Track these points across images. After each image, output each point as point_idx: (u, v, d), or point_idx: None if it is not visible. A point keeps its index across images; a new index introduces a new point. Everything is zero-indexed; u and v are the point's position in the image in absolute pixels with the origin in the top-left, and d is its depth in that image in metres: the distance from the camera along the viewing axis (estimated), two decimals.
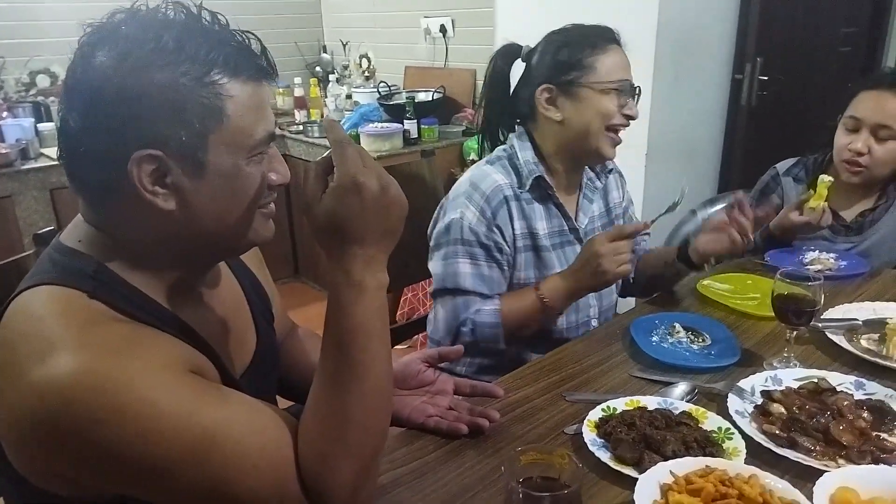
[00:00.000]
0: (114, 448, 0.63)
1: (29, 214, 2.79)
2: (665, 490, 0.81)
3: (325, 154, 0.74)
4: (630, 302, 2.86)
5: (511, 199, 1.35)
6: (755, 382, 1.08)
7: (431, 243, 1.39)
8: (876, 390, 1.06)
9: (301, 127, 3.54)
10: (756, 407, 1.02)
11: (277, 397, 1.03)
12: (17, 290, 0.72)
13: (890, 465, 0.89)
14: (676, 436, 0.91)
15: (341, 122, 3.30)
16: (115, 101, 0.67)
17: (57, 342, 0.64)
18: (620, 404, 1.01)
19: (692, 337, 1.26)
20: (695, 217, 2.21)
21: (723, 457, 0.90)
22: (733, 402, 1.01)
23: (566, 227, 1.42)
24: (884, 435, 0.96)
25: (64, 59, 3.19)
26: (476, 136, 1.42)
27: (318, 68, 4.08)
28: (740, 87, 2.88)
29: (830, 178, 1.56)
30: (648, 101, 2.63)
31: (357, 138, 3.18)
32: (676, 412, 0.99)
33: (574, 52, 1.32)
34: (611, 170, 1.55)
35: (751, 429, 0.96)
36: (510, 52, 1.43)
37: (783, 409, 1.00)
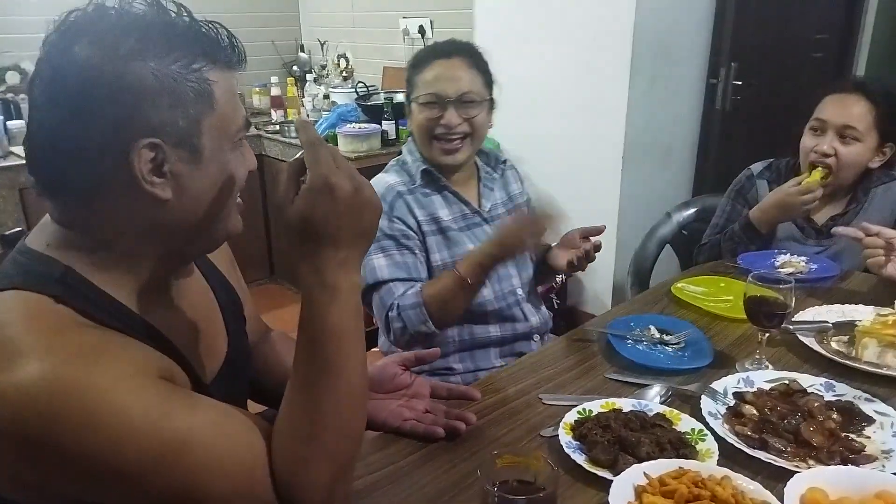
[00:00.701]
0: (82, 455, 0.62)
1: None
2: (639, 492, 0.81)
3: (297, 155, 0.74)
4: (606, 304, 2.89)
5: (405, 194, 1.43)
6: (728, 384, 1.09)
7: None
8: (845, 392, 1.08)
9: (277, 127, 3.51)
10: (728, 408, 1.04)
11: (250, 402, 1.02)
12: None
13: (858, 465, 0.91)
14: (651, 437, 0.92)
15: (318, 123, 3.28)
16: (110, 93, 0.66)
17: (23, 348, 0.63)
18: (596, 406, 1.02)
19: (666, 339, 1.27)
20: (669, 220, 2.22)
21: (696, 458, 0.90)
22: (706, 404, 1.03)
23: (468, 212, 1.50)
24: (852, 436, 0.97)
25: (34, 56, 3.15)
26: None
27: (295, 68, 4.05)
28: (715, 91, 2.92)
29: (825, 170, 1.62)
30: (625, 103, 2.66)
31: (334, 139, 3.16)
32: (651, 414, 1.00)
33: (410, 72, 1.46)
34: (504, 161, 1.66)
35: (723, 430, 0.97)
36: None
37: (755, 411, 1.01)
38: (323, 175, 0.69)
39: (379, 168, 1.55)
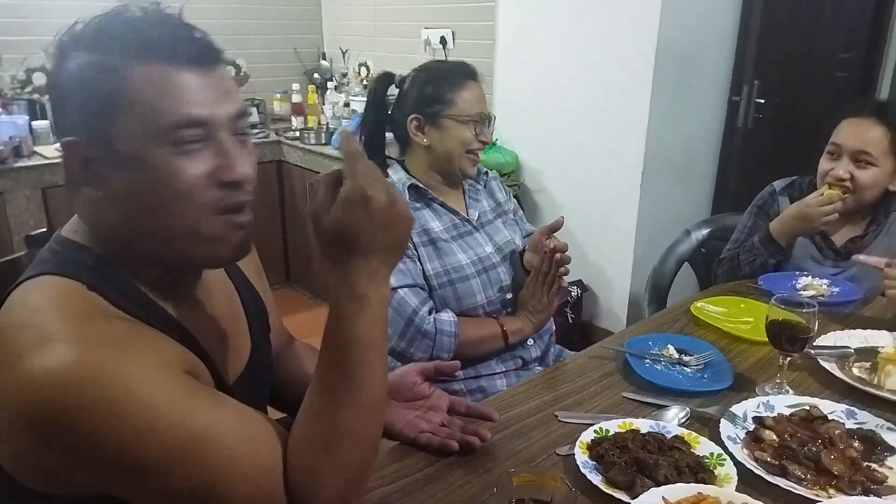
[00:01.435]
0: (103, 442, 0.62)
1: (20, 213, 2.77)
2: None
3: (335, 167, 0.74)
4: (622, 320, 2.87)
5: None
6: (747, 408, 1.08)
7: None
8: (867, 420, 1.06)
9: (297, 133, 3.54)
10: (748, 433, 1.02)
11: (269, 409, 1.02)
12: (17, 280, 0.72)
13: (880, 496, 0.89)
14: (669, 460, 0.90)
15: (338, 131, 3.30)
16: (56, 94, 0.72)
17: (54, 333, 0.64)
18: (613, 426, 1.01)
19: (686, 360, 1.26)
20: (689, 237, 2.21)
21: (714, 483, 0.89)
22: (725, 428, 1.01)
23: (458, 221, 1.56)
24: (874, 465, 0.96)
25: None
26: None
27: (316, 75, 4.08)
28: (737, 108, 2.90)
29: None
30: (646, 118, 2.65)
31: None
32: (669, 436, 0.99)
33: (438, 87, 1.49)
34: (486, 172, 1.72)
35: (742, 455, 0.96)
36: (386, 80, 1.58)
37: (775, 436, 1.00)
38: (360, 186, 0.69)
39: None
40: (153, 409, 0.63)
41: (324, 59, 4.19)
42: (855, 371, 1.23)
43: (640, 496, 0.83)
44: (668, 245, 2.21)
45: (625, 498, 0.85)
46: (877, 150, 1.61)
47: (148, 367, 0.65)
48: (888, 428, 1.03)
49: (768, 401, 1.10)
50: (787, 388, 1.16)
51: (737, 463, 0.94)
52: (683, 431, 1.01)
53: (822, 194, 1.62)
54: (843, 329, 1.40)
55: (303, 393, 0.76)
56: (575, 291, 2.92)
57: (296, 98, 3.80)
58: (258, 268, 1.03)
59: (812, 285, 1.61)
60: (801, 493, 0.89)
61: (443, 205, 1.55)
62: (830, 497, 0.88)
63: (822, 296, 1.56)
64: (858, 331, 1.38)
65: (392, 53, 3.68)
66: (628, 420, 1.03)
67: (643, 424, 1.02)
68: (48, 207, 2.83)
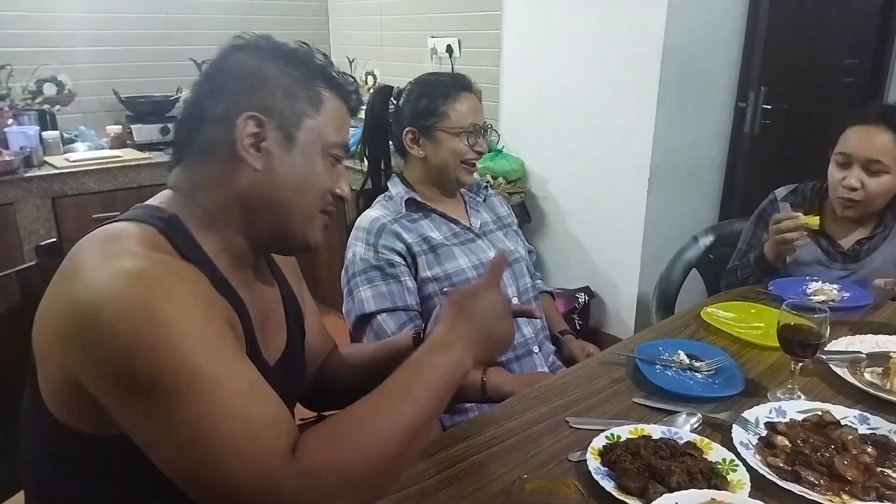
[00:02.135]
0: (133, 345, 0.67)
1: (30, 222, 2.79)
2: None
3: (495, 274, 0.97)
4: (629, 326, 2.87)
5: (391, 223, 1.50)
6: (759, 413, 1.07)
7: (343, 290, 1.52)
8: (880, 425, 1.05)
9: None
10: (760, 438, 1.02)
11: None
12: (94, 227, 0.82)
13: (894, 502, 0.88)
14: (681, 466, 0.90)
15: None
16: (241, 75, 0.86)
17: (121, 252, 0.73)
18: (624, 432, 1.01)
19: (696, 365, 1.26)
20: (696, 243, 2.21)
21: (727, 489, 0.89)
22: (738, 434, 1.01)
23: (458, 230, 1.59)
24: (888, 471, 0.95)
25: (71, 69, 3.26)
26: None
27: None
28: (744, 115, 2.90)
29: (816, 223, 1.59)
30: (652, 125, 2.65)
31: (361, 154, 3.19)
32: (681, 442, 0.98)
33: (431, 100, 1.53)
34: (486, 187, 1.76)
35: (755, 461, 0.96)
36: (385, 93, 1.63)
37: (787, 442, 1.00)
38: (504, 296, 0.95)
39: None
40: (184, 331, 0.69)
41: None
42: (867, 376, 1.23)
43: (653, 502, 0.82)
44: (676, 251, 2.21)
45: None
46: (888, 157, 1.61)
47: (193, 298, 0.72)
48: None
49: (780, 406, 1.10)
50: (799, 393, 1.16)
51: (749, 469, 0.93)
52: (695, 437, 1.00)
53: (797, 218, 1.57)
54: (853, 334, 1.40)
55: (347, 386, 0.98)
56: (582, 298, 2.92)
57: None
58: (297, 275, 1.12)
59: (822, 290, 1.61)
60: (815, 498, 0.88)
61: (443, 215, 1.58)
62: (844, 503, 0.88)
63: (833, 300, 1.56)
64: (870, 336, 1.38)
65: (398, 62, 3.70)
66: (640, 426, 1.03)
67: (655, 430, 1.02)
68: (57, 217, 2.85)
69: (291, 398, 1.03)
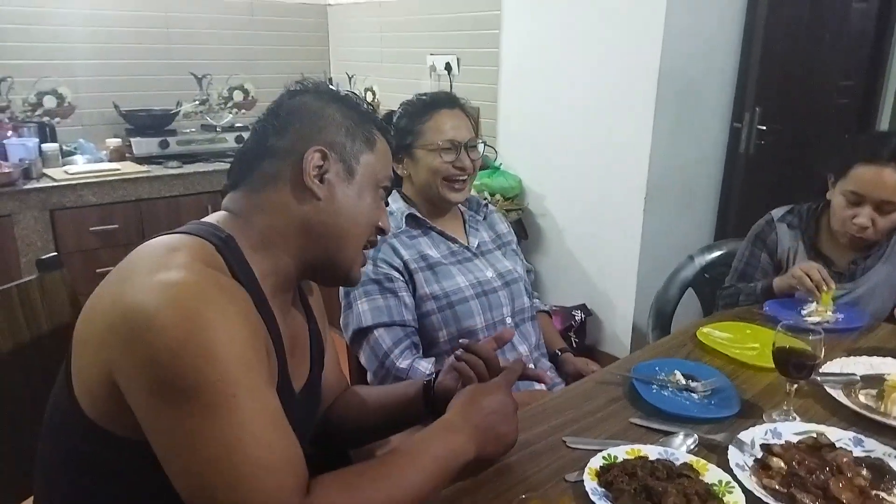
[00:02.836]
0: (177, 352, 0.69)
1: (28, 234, 2.79)
2: None
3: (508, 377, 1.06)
4: (625, 345, 2.87)
5: (390, 238, 1.51)
6: (755, 435, 1.08)
7: (342, 303, 1.53)
8: (874, 448, 1.06)
9: None
10: (756, 460, 1.02)
11: None
12: (157, 235, 0.86)
13: None
14: (678, 488, 0.91)
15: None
16: (308, 115, 0.94)
17: (176, 262, 0.76)
18: (621, 452, 1.01)
19: (692, 386, 1.27)
20: (692, 262, 2.22)
21: None
22: (734, 455, 1.02)
23: (456, 248, 1.60)
24: (882, 494, 0.96)
25: (71, 81, 3.27)
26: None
27: None
28: (739, 135, 2.93)
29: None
30: (649, 144, 2.68)
31: None
32: (678, 463, 0.99)
33: (409, 120, 1.56)
34: (486, 205, 1.76)
35: (751, 483, 0.96)
36: (389, 118, 1.64)
37: (783, 464, 1.00)
38: (514, 400, 1.01)
39: None
40: (229, 348, 0.72)
41: (330, 83, 4.23)
42: (861, 398, 1.24)
43: None
44: (672, 270, 2.22)
45: None
46: None
47: (240, 317, 0.75)
48: None
49: (776, 428, 1.10)
50: (794, 414, 1.17)
51: (745, 491, 0.94)
52: (692, 458, 1.01)
53: (813, 308, 1.61)
54: (848, 356, 1.41)
55: (356, 426, 1.09)
56: (579, 315, 2.93)
57: None
58: (322, 313, 1.16)
59: (817, 311, 1.62)
60: None
61: (441, 233, 1.59)
62: None
63: (828, 322, 1.57)
64: (864, 357, 1.39)
65: (398, 79, 3.73)
66: (637, 446, 1.03)
67: (652, 451, 1.02)
68: (55, 229, 2.85)
69: (309, 429, 1.06)
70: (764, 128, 2.89)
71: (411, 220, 1.56)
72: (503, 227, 1.78)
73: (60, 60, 3.23)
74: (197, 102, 3.60)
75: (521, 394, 1.46)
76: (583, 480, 0.94)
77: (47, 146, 3.04)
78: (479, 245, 1.65)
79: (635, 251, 2.81)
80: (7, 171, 2.74)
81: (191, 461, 0.71)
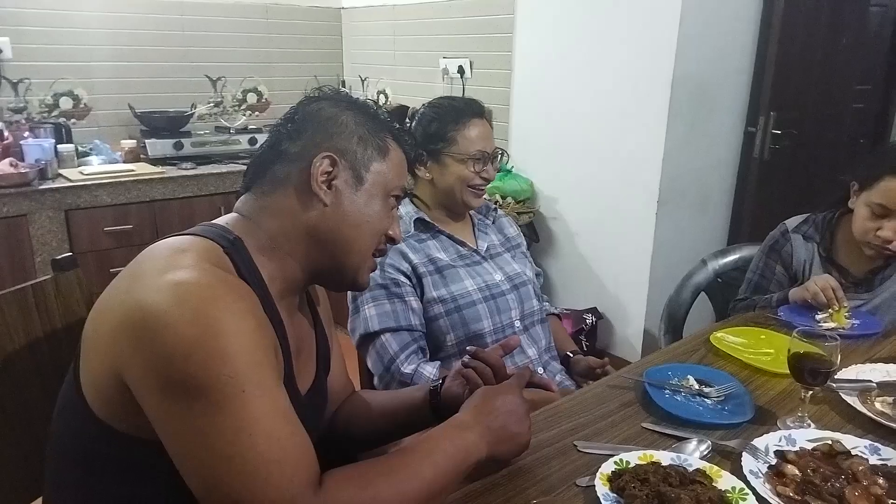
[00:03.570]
0: (188, 352, 0.70)
1: (43, 234, 2.81)
2: None
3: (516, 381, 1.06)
4: (637, 349, 2.86)
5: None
6: (769, 442, 1.07)
7: (350, 307, 1.54)
8: (891, 456, 1.04)
9: None
10: (770, 467, 1.01)
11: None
12: (166, 236, 0.87)
13: None
14: (691, 494, 0.90)
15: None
16: (322, 122, 0.95)
17: (186, 263, 0.77)
18: (633, 458, 1.00)
19: (706, 391, 1.26)
20: (705, 267, 2.20)
21: None
22: (747, 462, 1.01)
23: (465, 252, 1.60)
24: None
25: (88, 83, 3.30)
26: None
27: None
28: (753, 139, 2.91)
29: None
30: (662, 148, 2.66)
31: None
32: (690, 469, 0.98)
33: (440, 126, 1.55)
34: (495, 209, 1.78)
35: (765, 490, 0.95)
36: (400, 114, 1.67)
37: (797, 471, 0.99)
38: (525, 401, 1.01)
39: None
40: (239, 345, 0.73)
41: (343, 86, 4.25)
42: (877, 405, 1.22)
43: None
44: (684, 274, 2.20)
45: None
46: None
47: (249, 315, 0.76)
48: None
49: (790, 434, 1.09)
50: (809, 421, 1.15)
51: (759, 498, 0.93)
52: (705, 465, 1.00)
53: (828, 314, 1.59)
54: (864, 362, 1.39)
55: (364, 430, 1.08)
56: (590, 319, 2.92)
57: None
58: (329, 317, 1.17)
59: (832, 317, 1.60)
60: None
61: (450, 237, 1.59)
62: None
63: (843, 328, 1.55)
64: (880, 364, 1.37)
65: (410, 82, 3.73)
66: (649, 452, 1.02)
67: (664, 457, 1.01)
68: (70, 229, 2.87)
69: (315, 431, 1.04)
70: (778, 132, 2.86)
71: (420, 223, 1.57)
72: (512, 230, 1.78)
73: (77, 62, 3.27)
74: (211, 104, 3.63)
75: (532, 392, 1.44)
76: (594, 486, 0.94)
77: (63, 147, 3.06)
78: (487, 248, 1.65)
79: (647, 255, 2.79)
80: (23, 171, 2.77)
81: (203, 458, 0.71)
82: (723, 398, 1.24)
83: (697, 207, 2.91)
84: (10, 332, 1.08)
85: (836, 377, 1.26)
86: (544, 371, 1.58)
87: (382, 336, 1.46)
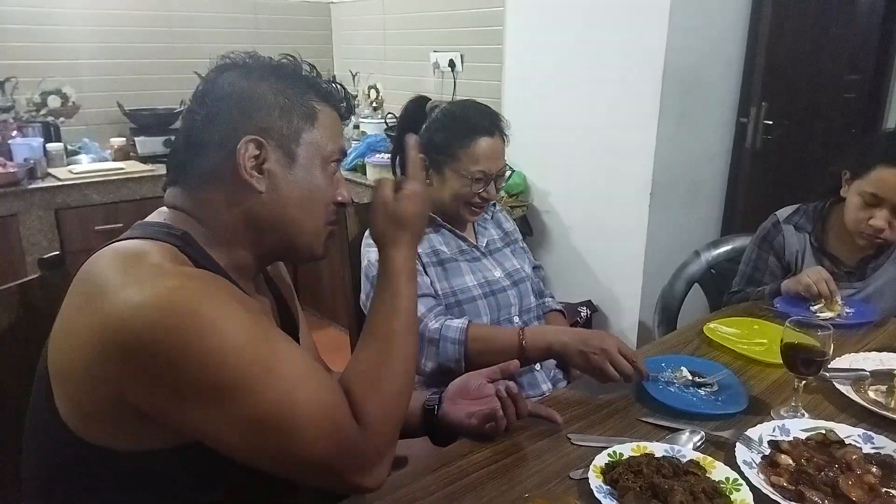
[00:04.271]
0: (186, 362, 0.70)
1: (32, 233, 2.79)
2: None
3: (389, 176, 1.01)
4: (631, 341, 2.86)
5: None
6: (763, 432, 1.07)
7: (364, 296, 1.53)
8: (884, 444, 1.05)
9: None
10: (764, 457, 1.01)
11: None
12: (101, 246, 0.82)
13: None
14: (684, 485, 0.89)
15: (348, 151, 3.33)
16: (236, 100, 0.86)
17: (166, 270, 0.75)
18: (627, 450, 1.00)
19: (699, 382, 1.25)
20: (698, 258, 2.20)
21: None
22: (741, 452, 1.00)
23: (466, 247, 1.59)
24: (892, 491, 0.94)
25: (75, 81, 3.27)
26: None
27: None
28: (745, 130, 2.91)
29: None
30: (654, 140, 2.65)
31: (363, 168, 3.20)
32: (684, 460, 0.98)
33: (446, 137, 1.51)
34: (494, 204, 1.72)
35: (758, 480, 0.95)
36: (420, 102, 1.62)
37: (791, 461, 0.99)
38: (421, 185, 0.96)
39: None
40: (242, 332, 0.73)
41: (334, 81, 4.23)
42: (871, 394, 1.22)
43: None
44: (678, 266, 2.20)
45: None
46: None
47: (234, 300, 0.76)
48: None
49: (784, 424, 1.09)
50: (803, 411, 1.15)
51: (753, 488, 0.93)
52: (698, 456, 1.00)
53: (822, 304, 1.59)
54: (857, 351, 1.39)
55: None
56: (584, 311, 2.91)
57: None
58: (290, 290, 1.14)
59: (826, 307, 1.60)
60: None
61: (452, 231, 1.58)
62: None
63: (838, 316, 1.55)
64: (873, 353, 1.37)
65: (401, 76, 3.71)
66: (642, 443, 1.02)
67: (657, 448, 1.01)
68: (60, 228, 2.85)
69: None
70: (770, 122, 2.86)
71: None
72: (509, 224, 1.77)
73: (64, 60, 3.24)
74: None
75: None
76: (588, 478, 0.93)
77: (52, 146, 3.04)
78: (487, 244, 1.64)
79: (641, 247, 2.79)
80: (12, 170, 2.74)
81: (256, 437, 0.73)
82: (716, 389, 1.24)
83: (690, 199, 2.91)
84: None
85: (829, 366, 1.27)
86: (541, 367, 1.57)
87: None
